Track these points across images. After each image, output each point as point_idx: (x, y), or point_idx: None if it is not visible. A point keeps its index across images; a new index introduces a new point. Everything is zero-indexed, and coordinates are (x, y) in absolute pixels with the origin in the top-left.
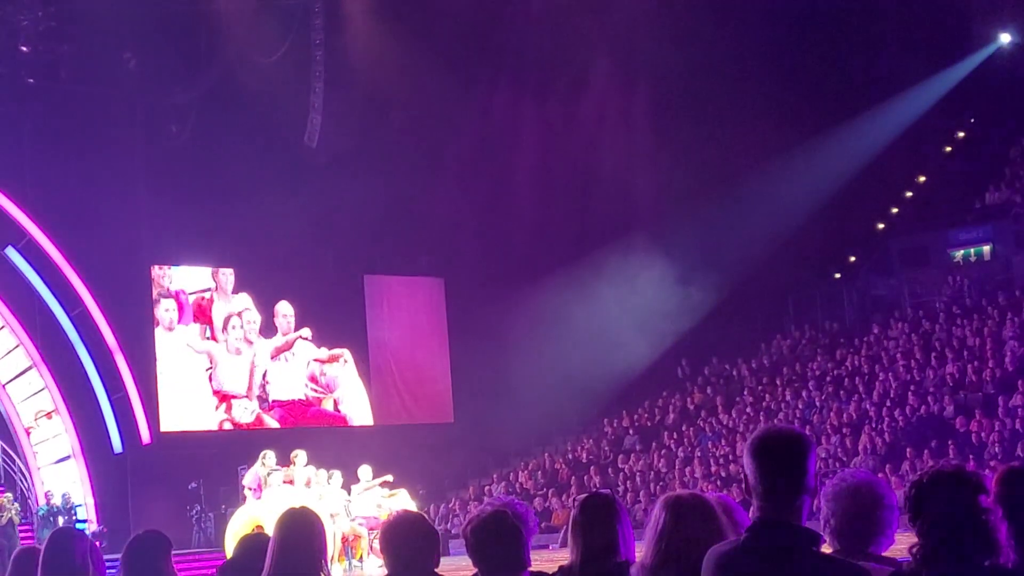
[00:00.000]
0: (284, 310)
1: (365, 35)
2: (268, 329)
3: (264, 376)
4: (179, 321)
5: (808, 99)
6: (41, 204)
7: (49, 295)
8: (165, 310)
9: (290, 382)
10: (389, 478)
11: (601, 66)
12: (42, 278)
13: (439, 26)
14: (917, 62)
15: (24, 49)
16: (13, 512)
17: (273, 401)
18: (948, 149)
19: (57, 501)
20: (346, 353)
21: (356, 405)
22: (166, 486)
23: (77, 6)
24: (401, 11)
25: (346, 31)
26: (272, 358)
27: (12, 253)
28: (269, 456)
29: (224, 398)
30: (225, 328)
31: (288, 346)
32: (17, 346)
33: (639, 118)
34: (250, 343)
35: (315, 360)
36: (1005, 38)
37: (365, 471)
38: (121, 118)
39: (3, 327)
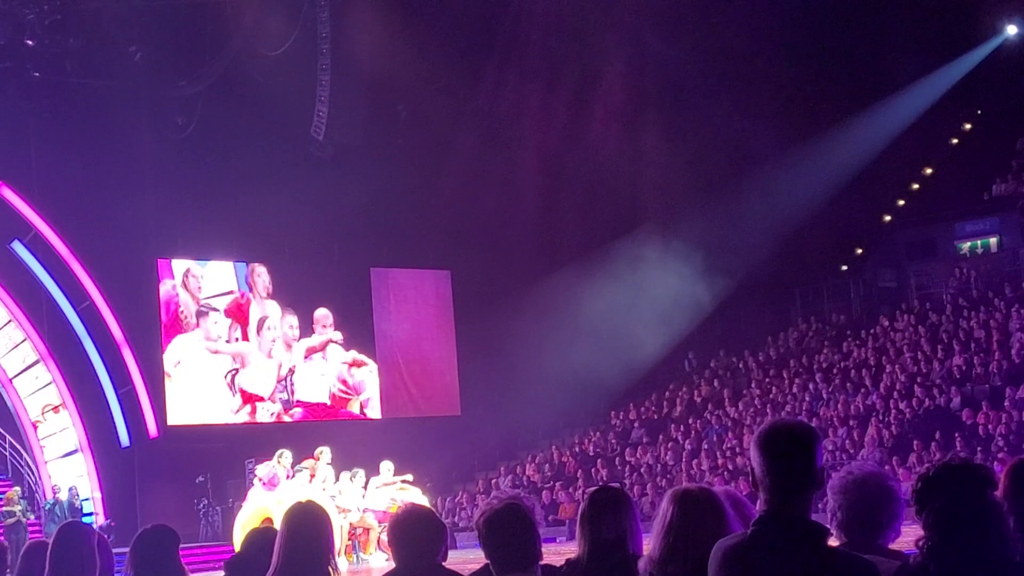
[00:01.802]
0: (322, 319)
1: (371, 27)
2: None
3: (291, 376)
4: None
5: (814, 93)
6: (47, 198)
7: (56, 289)
8: (214, 323)
9: (317, 384)
10: (409, 477)
11: (609, 59)
12: (49, 272)
13: (446, 18)
14: (923, 55)
15: (30, 43)
16: (20, 508)
17: (297, 401)
18: (955, 141)
19: (64, 495)
20: (371, 363)
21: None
22: (173, 480)
23: (83, 0)
24: (408, 3)
25: (352, 23)
26: (306, 357)
27: (19, 247)
28: (286, 456)
29: (249, 399)
30: (260, 331)
31: (322, 347)
32: (24, 340)
33: (647, 112)
34: (288, 347)
35: (343, 363)
36: (1011, 30)
37: (387, 466)
38: (127, 111)
39: (10, 321)
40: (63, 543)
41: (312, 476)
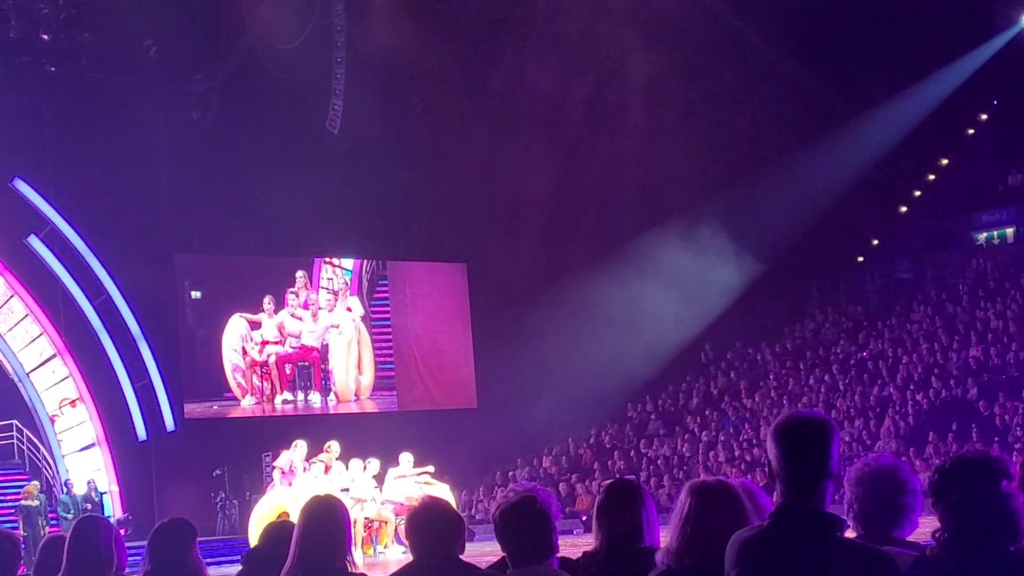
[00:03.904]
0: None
1: (386, 20)
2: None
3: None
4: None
5: (831, 85)
6: (63, 192)
7: (72, 283)
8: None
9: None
10: (430, 469)
11: (628, 50)
12: (65, 266)
13: (460, 10)
14: (940, 46)
15: (45, 37)
16: (38, 503)
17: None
18: (971, 131)
19: (81, 490)
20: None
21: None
22: (190, 473)
23: None
24: None
25: (367, 16)
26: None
27: (35, 241)
28: (300, 446)
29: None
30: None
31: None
32: (41, 334)
33: (664, 104)
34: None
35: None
36: None
37: (406, 458)
38: (142, 105)
39: (27, 316)
40: (80, 537)
41: (327, 469)
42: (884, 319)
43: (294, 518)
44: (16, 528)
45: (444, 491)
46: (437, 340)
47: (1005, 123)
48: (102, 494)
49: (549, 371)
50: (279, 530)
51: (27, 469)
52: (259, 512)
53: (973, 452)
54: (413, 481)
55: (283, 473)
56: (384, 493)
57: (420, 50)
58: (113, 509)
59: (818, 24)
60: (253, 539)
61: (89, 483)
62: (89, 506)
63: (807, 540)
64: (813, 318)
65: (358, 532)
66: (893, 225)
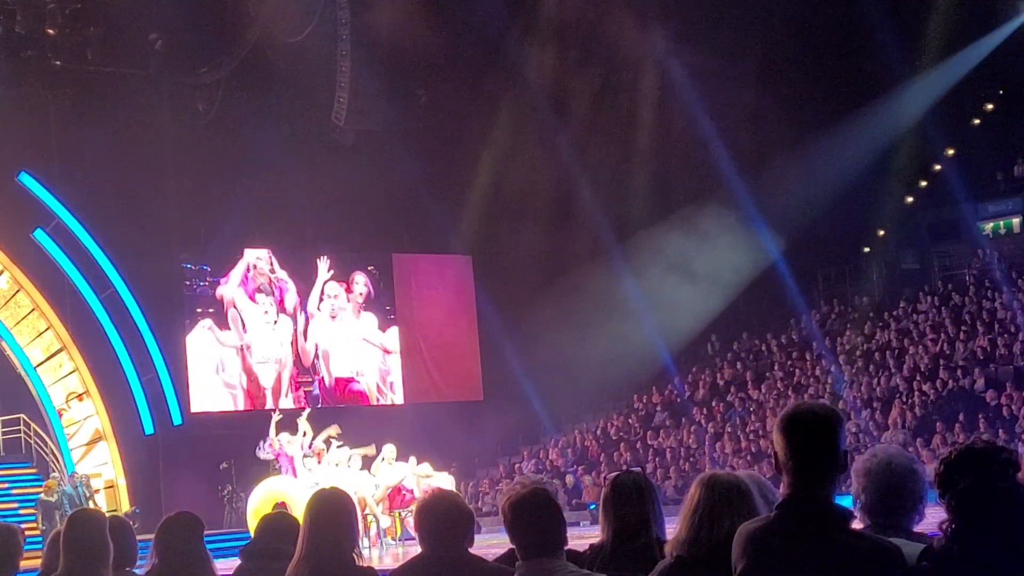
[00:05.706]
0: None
1: (391, 12)
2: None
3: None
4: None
5: (837, 76)
6: (69, 186)
7: (79, 277)
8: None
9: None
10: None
11: (637, 43)
12: (71, 260)
13: (467, 2)
14: (945, 36)
15: (51, 32)
16: (56, 498)
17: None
18: (977, 122)
19: (81, 483)
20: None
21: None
22: (197, 467)
23: None
24: None
25: (372, 8)
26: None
27: (41, 235)
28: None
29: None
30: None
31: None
32: (47, 329)
33: (673, 95)
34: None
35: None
36: None
37: (389, 450)
38: (148, 99)
39: (33, 310)
40: (74, 530)
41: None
42: (890, 310)
43: (291, 508)
44: (34, 521)
45: (444, 480)
46: (443, 332)
47: (1011, 113)
48: (105, 488)
49: (555, 363)
50: (275, 523)
51: (34, 463)
52: (254, 502)
53: (980, 442)
54: (410, 473)
55: (276, 455)
56: (378, 479)
57: (425, 41)
58: (118, 503)
59: (821, 18)
60: (251, 527)
61: (82, 477)
62: (92, 497)
63: (814, 531)
64: (819, 309)
65: (379, 523)
66: (899, 216)
